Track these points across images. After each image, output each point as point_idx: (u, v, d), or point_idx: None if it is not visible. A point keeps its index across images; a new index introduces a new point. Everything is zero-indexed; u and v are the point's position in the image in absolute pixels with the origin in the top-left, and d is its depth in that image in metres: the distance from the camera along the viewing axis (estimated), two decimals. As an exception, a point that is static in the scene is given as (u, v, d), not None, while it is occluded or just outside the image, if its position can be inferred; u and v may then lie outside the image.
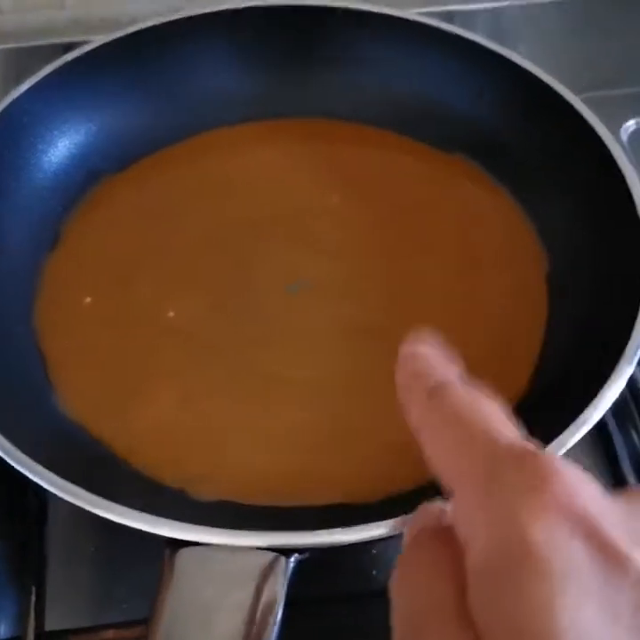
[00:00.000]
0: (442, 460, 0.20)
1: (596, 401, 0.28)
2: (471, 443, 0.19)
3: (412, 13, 0.42)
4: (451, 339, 0.34)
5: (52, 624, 0.31)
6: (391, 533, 0.25)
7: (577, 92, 0.38)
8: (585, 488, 0.17)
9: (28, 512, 0.33)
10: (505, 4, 0.49)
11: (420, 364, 0.22)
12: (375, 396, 0.32)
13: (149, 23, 0.41)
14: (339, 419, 0.32)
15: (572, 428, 0.27)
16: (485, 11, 0.49)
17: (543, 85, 0.38)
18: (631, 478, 0.35)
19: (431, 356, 0.22)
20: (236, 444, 0.32)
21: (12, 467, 0.27)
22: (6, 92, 0.37)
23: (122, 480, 0.30)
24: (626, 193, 0.34)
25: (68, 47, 0.45)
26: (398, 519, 0.25)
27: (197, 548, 0.25)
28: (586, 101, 0.38)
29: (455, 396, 0.20)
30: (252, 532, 0.25)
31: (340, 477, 0.31)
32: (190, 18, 0.41)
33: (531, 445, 0.19)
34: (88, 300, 0.36)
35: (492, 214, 0.39)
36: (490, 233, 0.39)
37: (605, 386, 0.28)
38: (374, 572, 0.33)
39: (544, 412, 0.31)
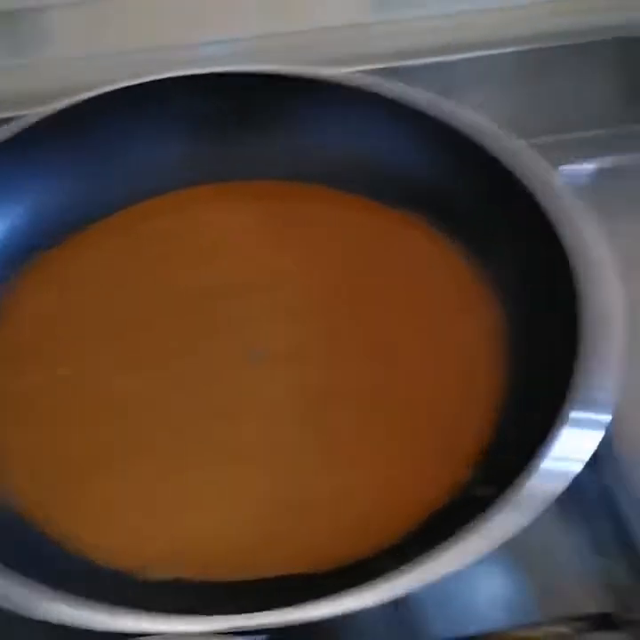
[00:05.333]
0: None
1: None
2: None
3: (345, 74, 0.42)
4: (415, 399, 0.35)
5: None
6: (359, 607, 0.24)
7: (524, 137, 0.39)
8: None
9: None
10: (447, 58, 0.50)
11: None
12: (338, 466, 0.32)
13: (80, 97, 0.40)
14: (300, 491, 0.32)
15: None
16: (429, 65, 0.50)
17: (472, 135, 0.39)
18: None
19: None
20: (194, 519, 0.31)
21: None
22: None
23: (74, 565, 0.29)
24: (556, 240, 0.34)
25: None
26: (369, 592, 0.24)
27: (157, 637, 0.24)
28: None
29: None
30: (215, 617, 0.24)
31: (299, 547, 0.30)
32: (125, 89, 0.41)
33: None
34: (33, 377, 0.35)
35: (443, 268, 0.39)
36: (441, 286, 0.39)
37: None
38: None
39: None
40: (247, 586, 0.28)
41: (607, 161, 0.49)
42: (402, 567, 0.25)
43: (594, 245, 0.34)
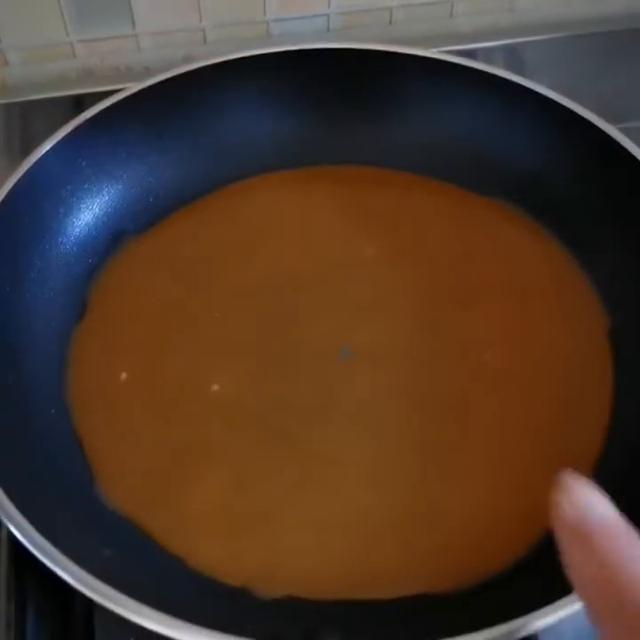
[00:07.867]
0: None
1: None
2: None
3: (441, 53, 0.40)
4: (510, 406, 0.33)
5: None
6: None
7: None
8: None
9: (73, 621, 0.30)
10: (521, 40, 0.48)
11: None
12: (442, 473, 0.31)
13: (170, 73, 0.38)
14: (403, 502, 0.30)
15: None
16: (505, 47, 0.47)
17: (579, 118, 0.36)
18: None
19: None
20: (297, 532, 0.29)
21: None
22: (12, 149, 0.35)
23: (179, 581, 0.27)
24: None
25: (79, 99, 0.43)
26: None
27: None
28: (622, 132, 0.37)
29: None
30: None
31: (412, 567, 0.28)
32: (213, 65, 0.39)
33: None
34: (123, 375, 0.33)
35: (540, 261, 0.37)
36: (540, 283, 0.36)
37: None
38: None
39: (622, 483, 0.29)
40: (361, 606, 0.27)
41: None
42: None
43: None
